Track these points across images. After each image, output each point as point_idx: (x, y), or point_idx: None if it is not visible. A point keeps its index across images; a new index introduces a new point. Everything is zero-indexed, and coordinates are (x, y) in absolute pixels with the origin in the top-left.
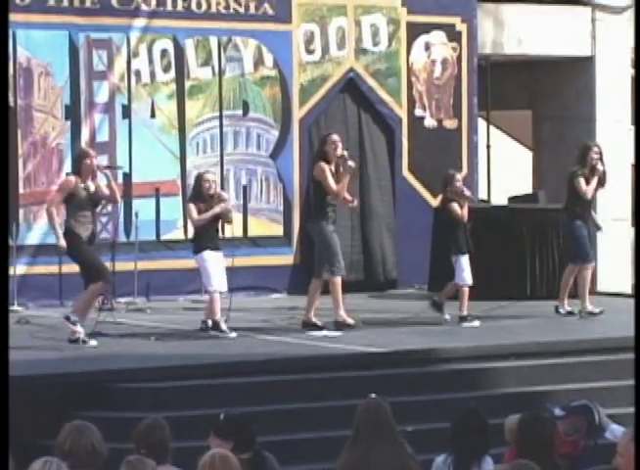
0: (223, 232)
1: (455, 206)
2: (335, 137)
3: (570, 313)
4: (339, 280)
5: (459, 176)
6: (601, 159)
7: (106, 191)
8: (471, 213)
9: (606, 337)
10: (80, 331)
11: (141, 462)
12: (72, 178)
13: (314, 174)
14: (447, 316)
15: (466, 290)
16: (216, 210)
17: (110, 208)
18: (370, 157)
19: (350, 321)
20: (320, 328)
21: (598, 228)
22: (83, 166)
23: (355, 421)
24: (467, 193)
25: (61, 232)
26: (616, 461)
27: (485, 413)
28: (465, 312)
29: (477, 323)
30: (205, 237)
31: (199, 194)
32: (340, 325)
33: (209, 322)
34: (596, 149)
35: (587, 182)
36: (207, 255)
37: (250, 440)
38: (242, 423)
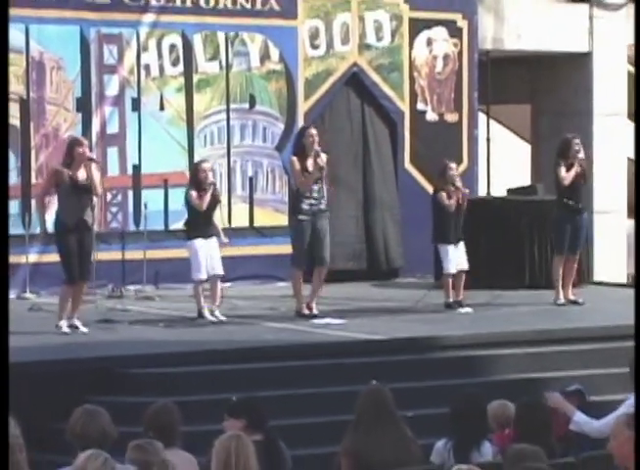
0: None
1: (443, 195)
2: (312, 131)
3: (572, 303)
4: (295, 272)
5: (453, 166)
6: (582, 151)
7: (92, 181)
8: (460, 204)
9: (601, 325)
10: (62, 325)
11: (150, 444)
12: (57, 168)
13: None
14: (469, 309)
15: (457, 278)
16: (209, 193)
17: (120, 198)
18: (373, 149)
19: (306, 312)
20: (310, 317)
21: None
22: (75, 155)
23: (357, 407)
24: (458, 183)
25: (47, 220)
26: (609, 445)
27: (484, 399)
28: (451, 299)
29: (464, 310)
30: (198, 225)
31: (197, 182)
32: (297, 312)
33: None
34: (576, 141)
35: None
36: (199, 244)
37: (261, 420)
38: (253, 403)
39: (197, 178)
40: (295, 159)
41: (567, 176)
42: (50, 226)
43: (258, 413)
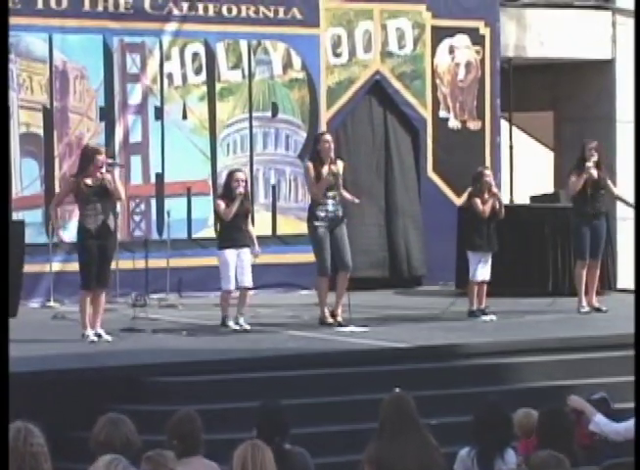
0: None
1: (477, 201)
2: (328, 137)
3: (596, 310)
4: (322, 279)
5: (488, 172)
6: (595, 157)
7: (115, 185)
8: (496, 211)
9: (625, 333)
10: (89, 334)
11: (160, 455)
12: (72, 178)
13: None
14: (493, 317)
15: (480, 286)
16: (237, 203)
17: (143, 206)
18: (395, 157)
19: (330, 321)
20: (332, 325)
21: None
22: (94, 162)
23: (381, 415)
24: (494, 189)
25: (60, 230)
26: None
27: (508, 407)
28: (474, 307)
29: (487, 318)
30: (228, 234)
31: (227, 191)
32: (320, 321)
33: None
34: (591, 146)
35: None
36: (229, 254)
37: (274, 429)
38: (266, 413)
39: (229, 187)
40: (309, 165)
41: (573, 187)
42: (71, 235)
43: (272, 422)
